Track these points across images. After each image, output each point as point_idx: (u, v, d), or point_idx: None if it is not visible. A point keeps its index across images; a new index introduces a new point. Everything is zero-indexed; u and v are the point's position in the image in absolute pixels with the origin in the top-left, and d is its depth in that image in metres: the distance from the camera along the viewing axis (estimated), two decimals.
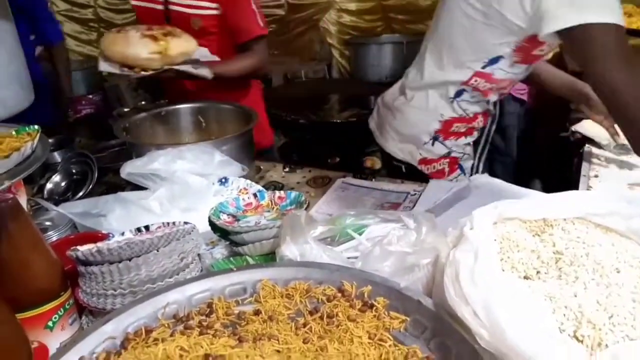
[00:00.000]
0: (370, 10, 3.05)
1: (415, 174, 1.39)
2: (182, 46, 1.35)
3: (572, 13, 0.95)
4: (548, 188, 1.21)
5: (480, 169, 1.47)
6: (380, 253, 0.70)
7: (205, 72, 1.41)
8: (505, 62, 1.20)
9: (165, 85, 1.86)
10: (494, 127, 1.46)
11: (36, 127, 0.72)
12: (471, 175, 1.40)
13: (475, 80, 1.25)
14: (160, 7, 1.56)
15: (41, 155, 0.67)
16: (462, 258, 0.67)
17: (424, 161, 1.39)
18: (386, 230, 0.77)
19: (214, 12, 1.54)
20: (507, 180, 1.24)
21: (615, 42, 0.94)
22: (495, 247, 0.72)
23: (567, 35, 0.98)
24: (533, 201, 0.89)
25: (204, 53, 1.45)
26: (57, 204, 1.14)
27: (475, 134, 1.41)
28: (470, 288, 0.61)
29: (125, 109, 2.55)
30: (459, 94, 1.29)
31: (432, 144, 1.36)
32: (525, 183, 1.32)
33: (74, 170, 1.35)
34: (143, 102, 2.87)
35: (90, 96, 3.04)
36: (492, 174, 1.27)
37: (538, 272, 0.70)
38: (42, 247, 0.70)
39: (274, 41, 3.24)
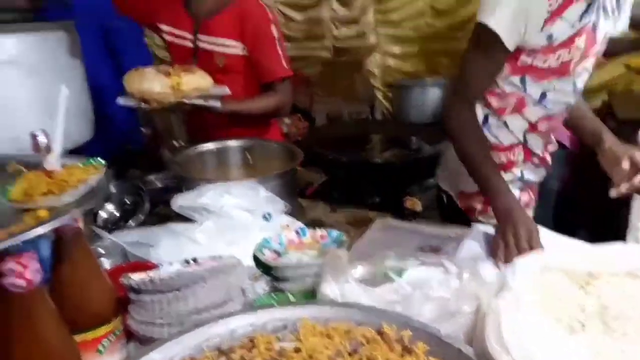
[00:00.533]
0: (414, 54, 3.11)
1: (455, 209, 1.39)
2: (195, 82, 1.44)
3: (481, 11, 1.13)
4: (594, 238, 1.18)
5: None
6: (421, 297, 0.71)
7: (216, 104, 1.48)
8: (499, 76, 1.23)
9: (188, 122, 1.96)
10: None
11: (101, 160, 0.78)
12: None
13: (488, 99, 1.28)
14: (189, 44, 1.66)
15: (105, 187, 0.73)
16: (504, 307, 0.67)
17: (463, 195, 1.39)
18: (427, 274, 0.78)
19: (240, 51, 1.63)
20: (545, 226, 1.21)
21: (486, 43, 1.14)
22: (538, 297, 0.72)
23: None
24: (578, 252, 0.88)
25: (223, 90, 1.53)
26: (109, 232, 1.21)
27: (516, 171, 1.38)
28: (512, 338, 0.61)
29: (175, 143, 2.66)
30: (485, 118, 1.30)
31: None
32: (570, 231, 1.28)
33: (126, 201, 1.42)
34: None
35: (143, 129, 3.20)
36: None
37: (583, 325, 0.69)
38: (99, 273, 0.74)
39: (318, 82, 3.34)
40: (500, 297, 0.69)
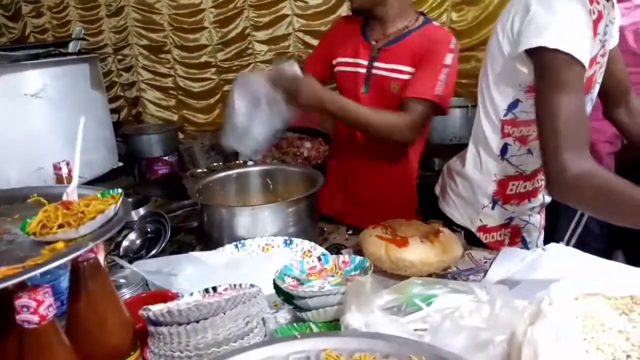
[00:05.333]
0: None
1: (474, 243, 1.33)
2: None
3: (533, 36, 1.02)
4: (632, 260, 1.12)
5: (538, 236, 1.39)
6: (451, 327, 0.67)
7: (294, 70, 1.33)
8: (524, 105, 1.17)
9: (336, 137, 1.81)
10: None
11: (119, 190, 0.77)
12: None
13: (506, 129, 1.22)
14: (363, 70, 1.57)
15: (123, 218, 0.72)
16: (541, 337, 0.63)
17: (484, 229, 1.33)
18: (456, 302, 0.74)
19: (410, 76, 1.50)
20: (579, 249, 1.16)
21: (563, 71, 0.99)
22: (578, 326, 0.67)
23: (532, 59, 1.05)
24: (618, 275, 0.83)
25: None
26: (131, 261, 1.20)
27: (541, 197, 1.33)
28: None
29: (198, 170, 2.68)
30: (504, 149, 1.25)
31: (492, 208, 1.31)
32: (605, 254, 1.21)
33: (148, 229, 1.41)
34: (215, 164, 3.01)
35: (166, 157, 3.24)
36: None
37: (628, 356, 0.64)
38: (118, 305, 0.73)
39: None
40: (537, 325, 0.65)
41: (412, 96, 1.46)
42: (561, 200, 1.04)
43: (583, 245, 1.54)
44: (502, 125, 1.23)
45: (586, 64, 1.01)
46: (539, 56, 1.03)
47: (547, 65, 1.02)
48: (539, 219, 1.34)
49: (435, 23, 1.58)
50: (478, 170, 1.31)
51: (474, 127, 1.34)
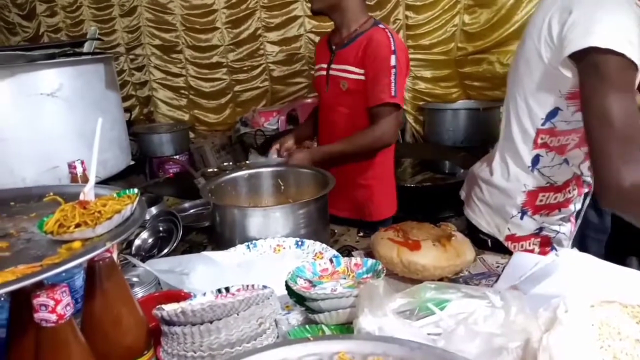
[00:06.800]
0: (446, 77, 3.08)
1: (501, 250, 1.29)
2: None
3: (580, 38, 0.96)
4: None
5: (569, 246, 1.36)
6: (465, 333, 0.67)
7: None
8: (564, 114, 1.12)
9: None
10: (588, 200, 1.35)
11: (136, 190, 0.78)
12: None
13: (542, 139, 1.17)
14: (324, 73, 1.83)
15: (139, 218, 0.72)
16: (557, 344, 0.62)
17: (512, 238, 1.30)
18: (470, 307, 0.74)
19: (360, 77, 1.70)
20: (600, 258, 1.13)
21: (616, 72, 0.94)
22: (594, 334, 0.66)
23: (578, 63, 0.99)
24: (633, 283, 0.82)
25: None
26: (143, 260, 1.20)
27: (572, 207, 1.29)
28: None
29: (209, 169, 2.69)
30: (535, 160, 1.21)
31: (521, 218, 1.27)
32: (619, 260, 1.19)
33: (160, 228, 1.42)
34: (225, 163, 3.02)
35: (177, 157, 3.26)
36: (585, 251, 1.16)
37: None
38: (132, 305, 0.73)
39: None
40: (552, 333, 0.64)
41: (375, 104, 1.66)
42: (613, 210, 1.01)
43: (583, 236, 1.51)
44: (536, 135, 1.18)
45: (639, 66, 0.95)
46: (587, 59, 0.97)
47: (597, 68, 0.95)
48: (569, 228, 1.30)
49: (381, 25, 1.71)
50: (506, 180, 1.28)
51: (502, 136, 1.30)
